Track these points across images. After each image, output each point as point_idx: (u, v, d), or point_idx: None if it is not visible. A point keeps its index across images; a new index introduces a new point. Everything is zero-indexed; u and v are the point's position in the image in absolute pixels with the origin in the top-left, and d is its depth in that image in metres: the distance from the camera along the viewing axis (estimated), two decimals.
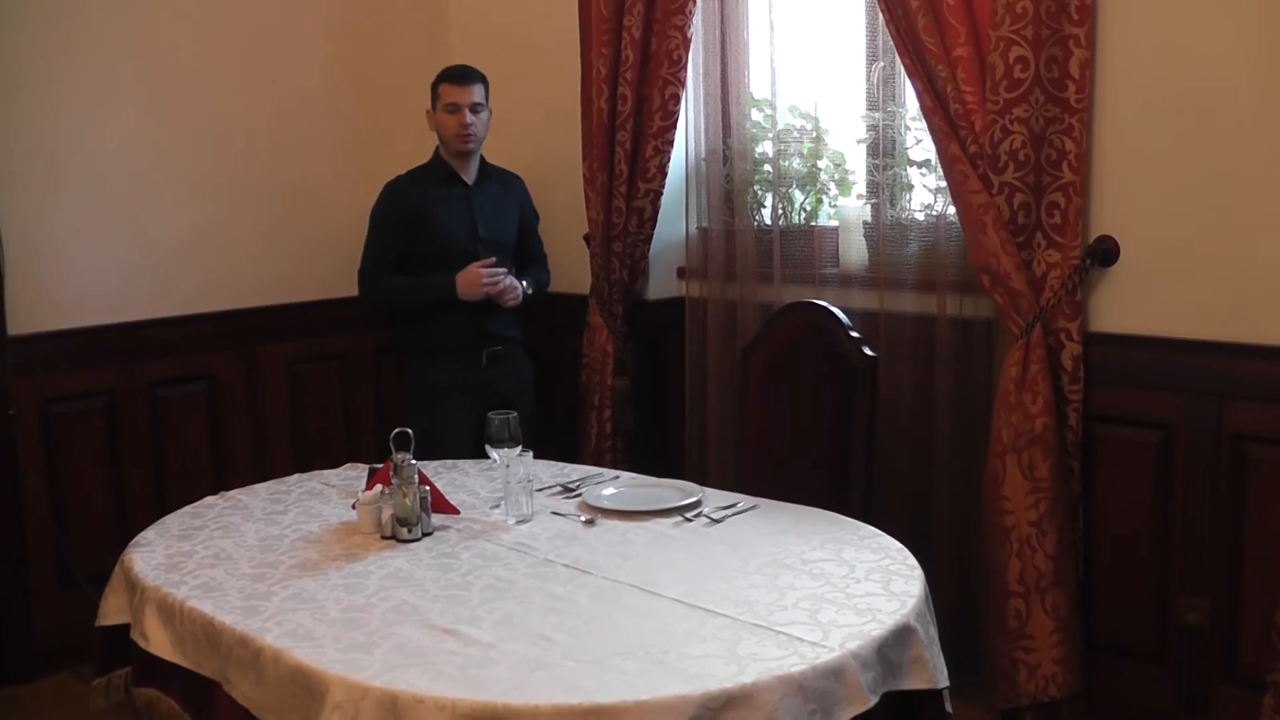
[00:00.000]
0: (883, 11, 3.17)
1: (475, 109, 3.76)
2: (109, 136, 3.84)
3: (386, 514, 2.53)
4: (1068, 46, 2.93)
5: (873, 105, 3.49)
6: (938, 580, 2.58)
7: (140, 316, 3.92)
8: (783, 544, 2.42)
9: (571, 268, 4.14)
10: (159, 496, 3.88)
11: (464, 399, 3.76)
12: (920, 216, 3.45)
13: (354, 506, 2.67)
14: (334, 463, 3.25)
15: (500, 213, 3.91)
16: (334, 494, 2.90)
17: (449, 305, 3.75)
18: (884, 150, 3.47)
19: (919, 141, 3.40)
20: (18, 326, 3.64)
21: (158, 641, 2.28)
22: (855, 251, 3.59)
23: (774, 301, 3.62)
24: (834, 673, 1.89)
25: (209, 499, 2.89)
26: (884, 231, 3.46)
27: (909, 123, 3.42)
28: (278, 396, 4.24)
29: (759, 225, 3.78)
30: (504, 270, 3.77)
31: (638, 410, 4.04)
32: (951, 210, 3.21)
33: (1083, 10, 2.91)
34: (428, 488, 2.55)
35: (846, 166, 3.68)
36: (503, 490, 2.67)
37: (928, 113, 3.11)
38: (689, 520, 2.60)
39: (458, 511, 2.68)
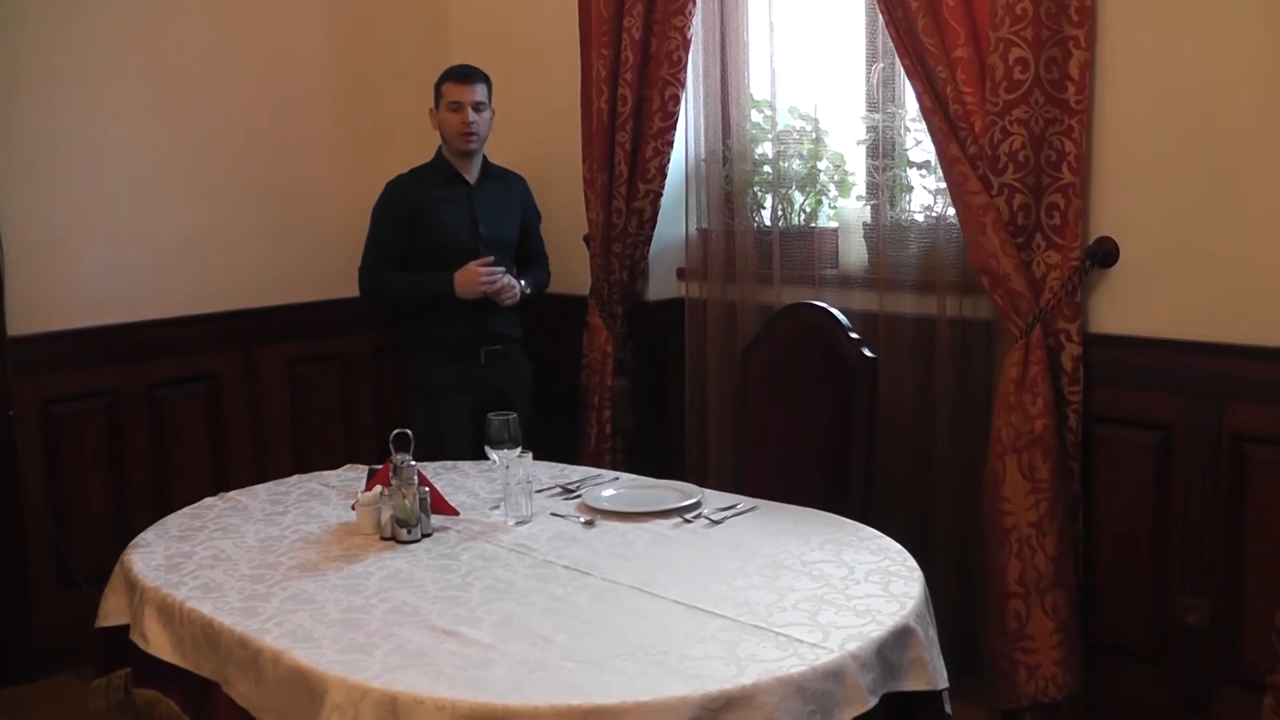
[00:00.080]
0: (882, 13, 3.17)
1: (478, 108, 3.78)
2: (109, 136, 3.84)
3: (386, 515, 2.53)
4: (1067, 48, 2.93)
5: (872, 106, 3.49)
6: (937, 581, 2.58)
7: (140, 317, 3.92)
8: (782, 545, 2.42)
9: (571, 268, 4.14)
10: (159, 497, 3.88)
11: (462, 397, 3.78)
12: (920, 218, 3.45)
13: (353, 507, 2.67)
14: (334, 463, 3.25)
15: (502, 212, 3.91)
16: (334, 495, 2.90)
17: (448, 303, 3.76)
18: (884, 151, 3.47)
19: (919, 143, 3.40)
20: (18, 327, 3.64)
21: (157, 642, 2.28)
22: (855, 252, 3.59)
23: (774, 302, 3.62)
24: (833, 674, 1.89)
25: (209, 500, 2.89)
26: (884, 232, 3.46)
27: (909, 124, 3.42)
28: (278, 397, 4.25)
29: (759, 226, 3.78)
30: (502, 269, 3.78)
31: (637, 411, 4.04)
32: (951, 211, 3.21)
33: (1082, 12, 2.91)
34: (427, 489, 2.55)
35: (846, 168, 3.68)
36: (502, 491, 2.67)
37: (927, 114, 3.11)
38: (689, 521, 2.60)
39: (457, 513, 2.68)
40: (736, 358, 3.61)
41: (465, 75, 3.80)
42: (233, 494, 2.92)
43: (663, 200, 3.91)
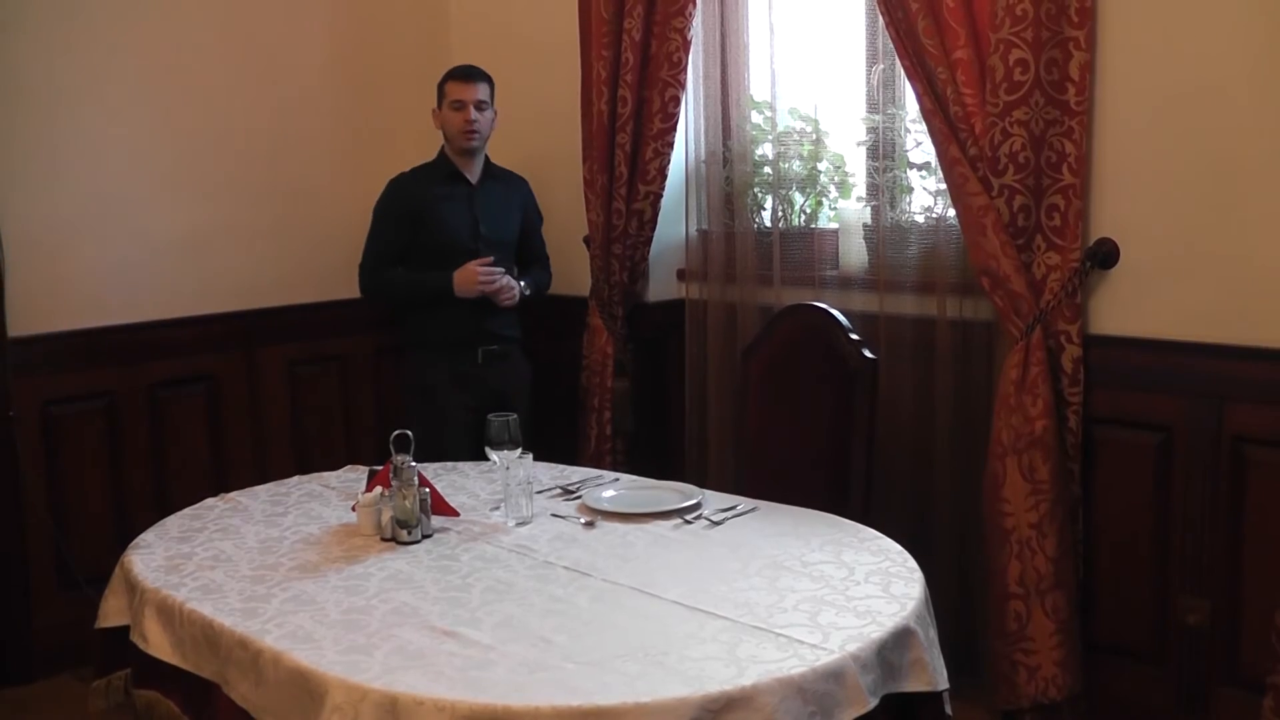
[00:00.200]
0: (882, 14, 3.17)
1: (480, 106, 3.79)
2: (109, 136, 3.84)
3: (386, 516, 2.53)
4: (1067, 49, 2.93)
5: (873, 108, 3.49)
6: (937, 582, 2.58)
7: (140, 317, 3.92)
8: (782, 546, 2.42)
9: (571, 270, 4.14)
10: (159, 497, 3.88)
11: (460, 396, 3.79)
12: (920, 219, 3.45)
13: (354, 509, 2.67)
14: (334, 464, 3.25)
15: (502, 212, 3.92)
16: (334, 496, 2.90)
17: (447, 302, 3.77)
18: (884, 153, 3.47)
19: (919, 144, 3.40)
20: (18, 327, 3.64)
21: (157, 643, 2.28)
22: (855, 254, 3.59)
23: (774, 304, 3.62)
24: (834, 675, 1.89)
25: (209, 501, 2.89)
26: (884, 234, 3.46)
27: (909, 125, 3.42)
28: (278, 398, 4.24)
29: (759, 227, 3.78)
30: (501, 269, 3.78)
31: (637, 412, 4.04)
32: (951, 213, 3.21)
33: (1082, 13, 2.91)
34: (427, 490, 2.55)
35: (846, 169, 3.68)
36: (502, 492, 2.67)
37: (927, 115, 3.11)
38: (689, 522, 2.60)
39: (457, 514, 2.68)
40: (736, 359, 3.61)
41: (468, 74, 3.81)
42: (233, 495, 2.92)
43: (663, 201, 3.91)
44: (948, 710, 2.19)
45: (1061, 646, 3.02)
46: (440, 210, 3.82)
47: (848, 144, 3.66)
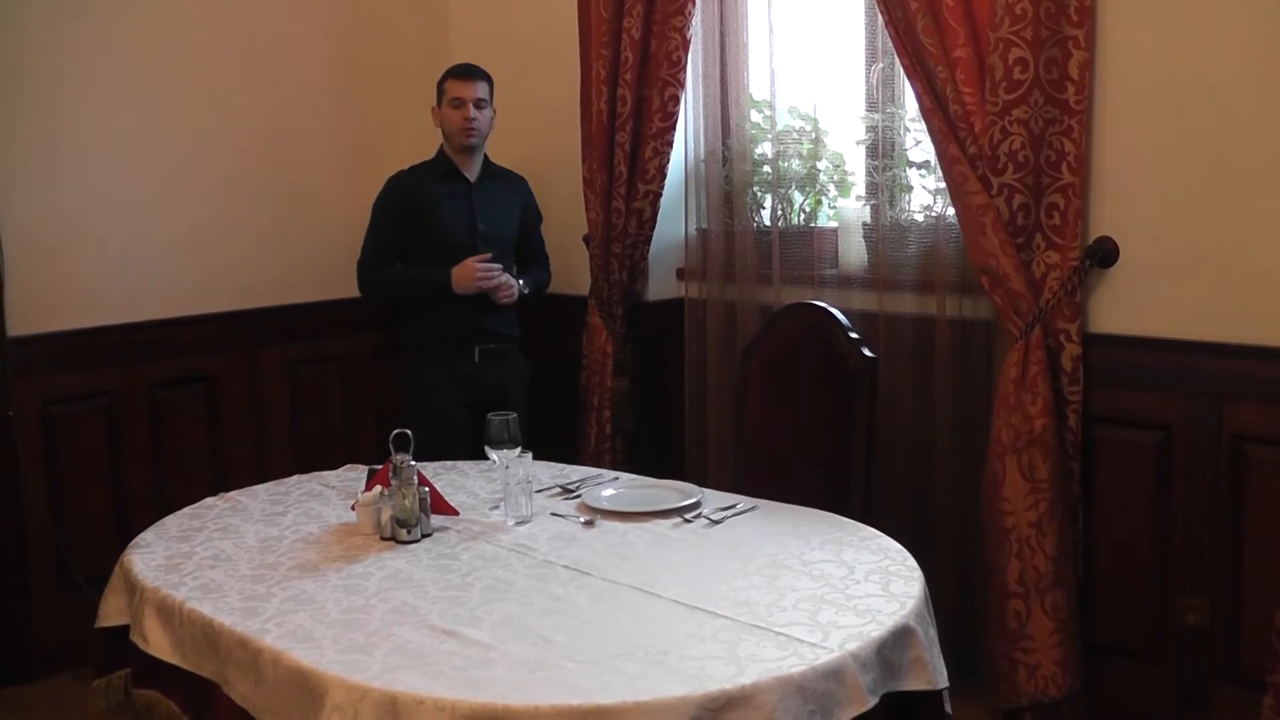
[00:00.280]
0: (882, 13, 3.17)
1: (479, 104, 3.80)
2: (109, 136, 3.84)
3: (386, 515, 2.53)
4: (1067, 48, 2.93)
5: (872, 106, 3.49)
6: (937, 581, 2.58)
7: (140, 317, 3.92)
8: (782, 545, 2.42)
9: (571, 269, 4.14)
10: (159, 497, 3.88)
11: (458, 393, 3.79)
12: (919, 218, 3.45)
13: (353, 508, 2.67)
14: (334, 464, 3.25)
15: (501, 210, 3.92)
16: (333, 495, 2.90)
17: (445, 299, 3.77)
18: (883, 151, 3.47)
19: (918, 143, 3.40)
20: (17, 327, 3.64)
21: (157, 643, 2.28)
22: (855, 253, 3.59)
23: (773, 303, 3.62)
24: (833, 674, 1.89)
25: (208, 500, 2.89)
26: (883, 232, 3.46)
27: (908, 124, 3.42)
28: (278, 397, 4.24)
29: (758, 226, 3.78)
30: (499, 266, 3.78)
31: (637, 411, 4.04)
32: (951, 211, 3.21)
33: (1082, 12, 2.91)
34: (427, 489, 2.55)
35: (846, 168, 3.68)
36: (502, 491, 2.67)
37: (927, 114, 3.11)
38: (688, 521, 2.60)
39: (457, 513, 2.68)
40: (736, 358, 3.61)
41: (468, 72, 3.82)
42: (233, 494, 2.92)
43: (662, 200, 3.91)
44: (947, 709, 2.18)
45: (1061, 645, 3.02)
46: (439, 208, 3.82)
47: (847, 143, 3.66)
